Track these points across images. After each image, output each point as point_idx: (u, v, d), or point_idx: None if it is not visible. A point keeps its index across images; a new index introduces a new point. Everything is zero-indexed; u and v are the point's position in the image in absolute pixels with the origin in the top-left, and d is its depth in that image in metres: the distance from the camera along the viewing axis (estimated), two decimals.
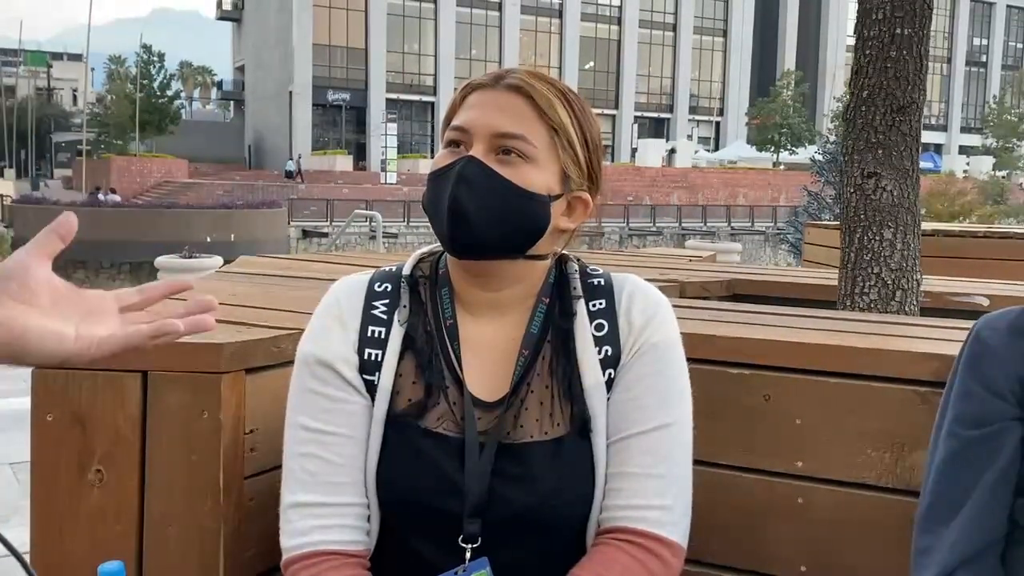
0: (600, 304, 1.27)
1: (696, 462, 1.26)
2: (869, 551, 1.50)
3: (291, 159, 45.45)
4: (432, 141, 54.17)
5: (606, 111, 57.92)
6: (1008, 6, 71.32)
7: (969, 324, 1.78)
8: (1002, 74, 71.29)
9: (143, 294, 0.91)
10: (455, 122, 1.23)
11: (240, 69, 65.62)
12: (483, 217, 1.18)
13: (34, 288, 0.82)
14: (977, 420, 1.20)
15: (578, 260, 1.32)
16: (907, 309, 2.42)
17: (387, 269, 1.32)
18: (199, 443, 1.39)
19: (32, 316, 0.80)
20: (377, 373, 1.23)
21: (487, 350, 1.25)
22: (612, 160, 53.65)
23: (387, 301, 1.27)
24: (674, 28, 62.00)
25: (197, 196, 34.85)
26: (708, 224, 36.64)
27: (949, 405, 1.25)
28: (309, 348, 1.25)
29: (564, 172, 1.23)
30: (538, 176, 1.21)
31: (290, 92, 51.88)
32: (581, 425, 1.22)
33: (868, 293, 2.43)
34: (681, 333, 1.29)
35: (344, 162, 46.62)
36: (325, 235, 29.03)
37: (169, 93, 52.23)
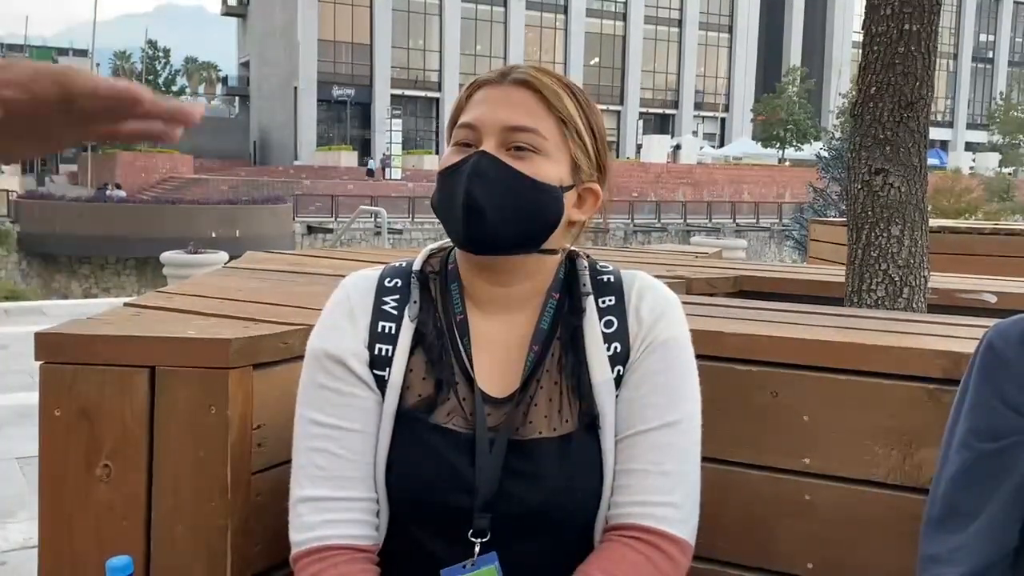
0: (610, 301, 1.27)
1: (704, 459, 1.26)
2: (876, 548, 1.50)
3: (370, 158, 44.05)
4: (437, 137, 54.14)
5: (611, 107, 57.89)
6: (1015, 2, 71.07)
7: (977, 321, 1.79)
8: (1009, 70, 71.07)
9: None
10: (463, 119, 1.23)
11: (245, 65, 65.62)
12: (499, 212, 1.18)
13: None
14: (992, 433, 1.20)
15: (588, 257, 1.32)
16: (915, 306, 2.41)
17: (397, 264, 1.32)
18: (206, 439, 1.39)
19: None
20: (387, 368, 1.23)
21: (497, 346, 1.25)
22: (617, 156, 53.55)
23: (397, 296, 1.27)
24: (679, 24, 61.90)
25: (202, 192, 34.86)
26: (713, 220, 36.60)
27: (962, 415, 1.24)
28: (319, 343, 1.25)
29: (574, 163, 1.24)
30: (550, 168, 1.21)
31: (295, 88, 51.88)
32: (589, 422, 1.21)
33: (875, 290, 2.42)
34: (689, 330, 1.28)
35: (349, 158, 46.57)
36: (330, 231, 29.05)
37: (174, 88, 52.43)
